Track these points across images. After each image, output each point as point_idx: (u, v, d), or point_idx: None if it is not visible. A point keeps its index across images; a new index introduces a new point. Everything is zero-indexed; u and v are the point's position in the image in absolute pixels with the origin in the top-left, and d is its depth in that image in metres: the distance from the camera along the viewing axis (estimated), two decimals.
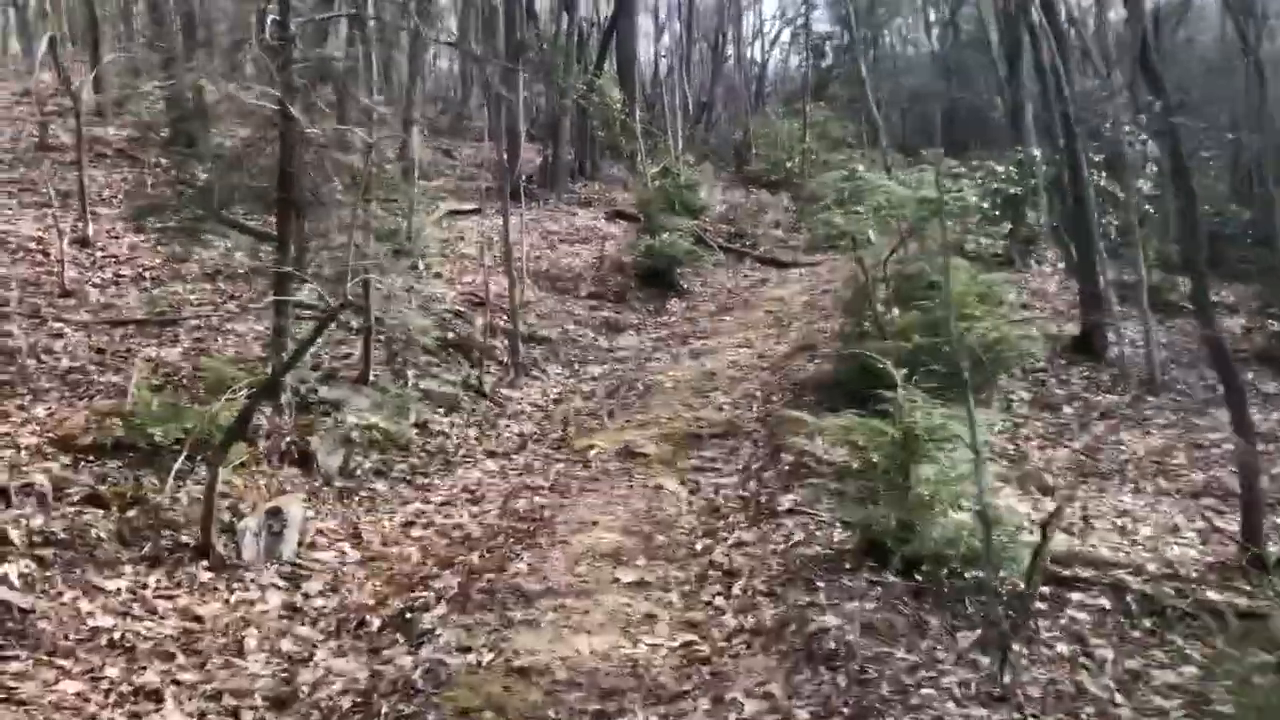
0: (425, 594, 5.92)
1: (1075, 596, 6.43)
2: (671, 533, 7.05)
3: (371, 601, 6.01)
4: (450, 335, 12.67)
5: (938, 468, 6.25)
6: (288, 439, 8.11)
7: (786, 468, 8.26)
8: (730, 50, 35.72)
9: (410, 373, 10.99)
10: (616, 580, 6.08)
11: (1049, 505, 9.22)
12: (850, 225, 8.10)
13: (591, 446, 9.35)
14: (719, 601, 5.71)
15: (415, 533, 7.34)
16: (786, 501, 7.29)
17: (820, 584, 5.66)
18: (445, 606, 5.65)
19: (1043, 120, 20.98)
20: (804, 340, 13.62)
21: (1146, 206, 19.34)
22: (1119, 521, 9.10)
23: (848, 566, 5.98)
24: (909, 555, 5.99)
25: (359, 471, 8.35)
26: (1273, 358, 16.01)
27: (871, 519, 6.08)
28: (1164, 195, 19.07)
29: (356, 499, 7.91)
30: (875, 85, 32.42)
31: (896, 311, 10.54)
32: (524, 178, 21.39)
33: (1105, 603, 6.34)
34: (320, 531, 7.13)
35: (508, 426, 10.51)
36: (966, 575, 6.15)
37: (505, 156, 15.90)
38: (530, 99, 24.86)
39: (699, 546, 6.74)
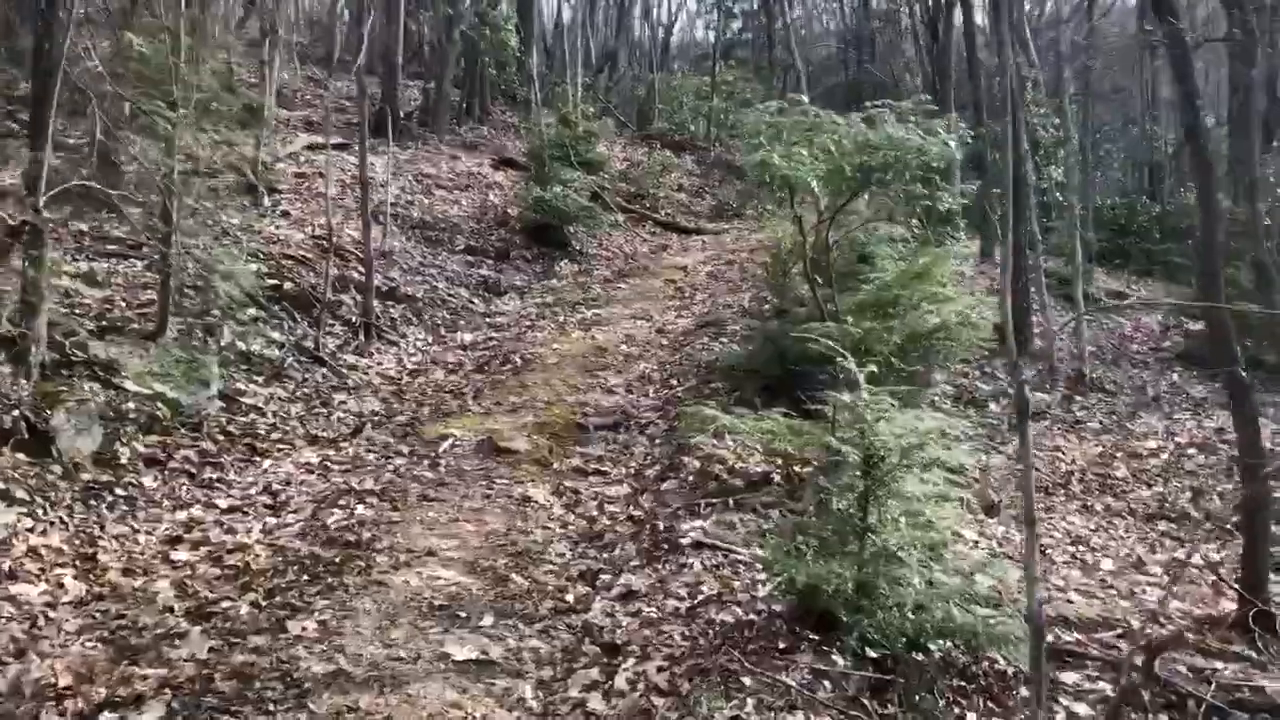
0: (146, 680, 3.81)
1: (1069, 678, 4.75)
2: (535, 570, 5.10)
3: (66, 682, 3.87)
4: (288, 285, 10.40)
5: (907, 504, 4.45)
6: (15, 411, 5.83)
7: (691, 477, 6.40)
8: (638, 4, 33.59)
9: (226, 329, 8.72)
10: (445, 656, 4.09)
11: (995, 526, 7.63)
12: (791, 169, 6.27)
13: (446, 436, 7.30)
14: (594, 704, 3.76)
15: (178, 555, 5.20)
16: (692, 530, 5.41)
17: (745, 678, 3.78)
18: (160, 712, 3.57)
19: (964, 95, 19.51)
20: (709, 315, 11.76)
21: (1057, 194, 18.07)
22: (1075, 551, 7.56)
23: (781, 646, 4.11)
24: (867, 631, 4.17)
25: (123, 459, 6.13)
26: (1195, 358, 14.78)
27: (817, 578, 4.21)
28: (1070, 181, 17.81)
29: (108, 500, 5.71)
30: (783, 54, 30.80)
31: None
32: (402, 115, 18.99)
33: (1107, 687, 4.68)
34: (33, 551, 4.94)
35: (343, 404, 8.37)
36: (935, 651, 4.40)
37: (373, 82, 13.58)
38: (416, 29, 22.30)
39: (571, 597, 4.80)
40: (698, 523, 5.45)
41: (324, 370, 9.12)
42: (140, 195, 9.21)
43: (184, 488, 6.09)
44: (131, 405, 6.70)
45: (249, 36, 18.44)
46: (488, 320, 12.04)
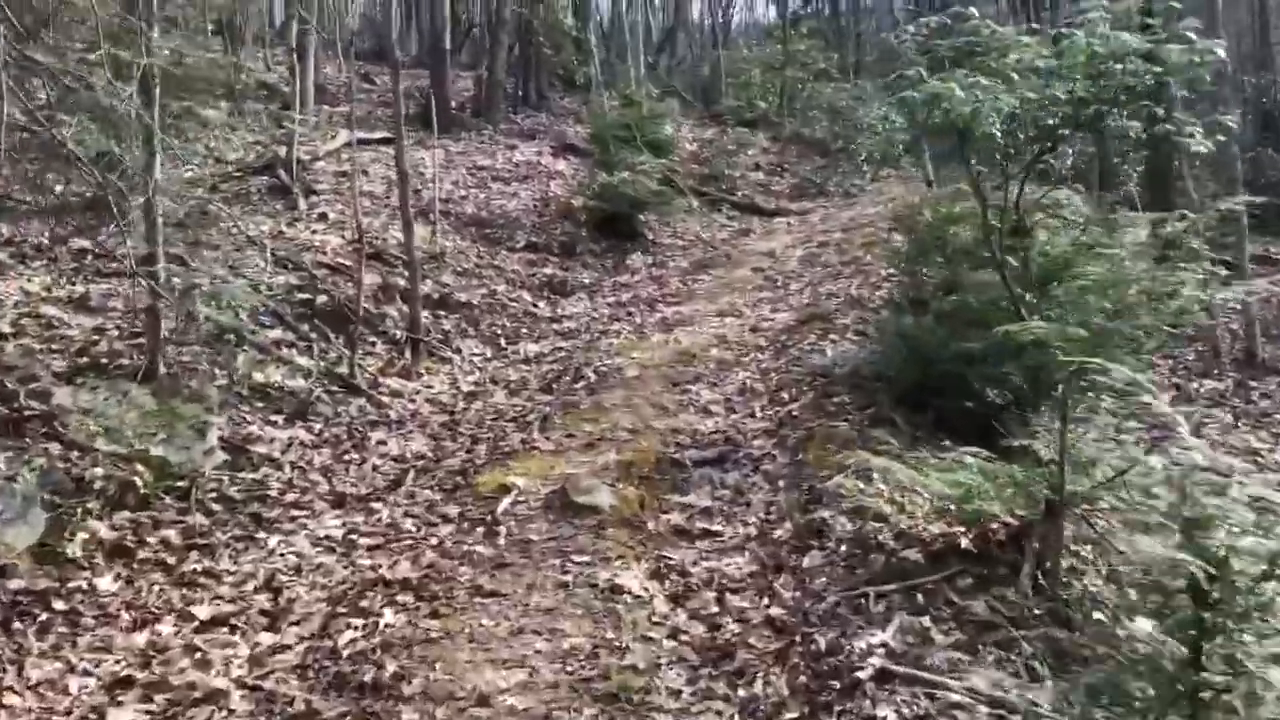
0: None
1: None
2: None
3: None
4: (322, 299, 8.77)
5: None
6: None
7: (843, 545, 4.55)
8: None
9: (240, 359, 7.10)
10: None
11: None
12: (964, 102, 4.41)
13: (507, 488, 5.56)
14: None
15: (118, 718, 3.52)
16: (870, 646, 3.56)
17: None
18: None
19: None
20: (811, 308, 9.87)
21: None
22: None
23: None
24: None
25: (73, 553, 4.50)
26: None
27: None
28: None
29: (40, 619, 4.07)
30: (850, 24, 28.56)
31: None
32: (453, 105, 17.38)
33: None
34: None
35: (381, 445, 6.68)
36: None
37: (421, 75, 11.94)
38: (465, 15, 20.68)
39: None
40: (875, 635, 3.59)
41: (360, 401, 7.45)
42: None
43: (155, 589, 4.43)
44: (99, 471, 5.08)
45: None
46: (554, 327, 10.30)
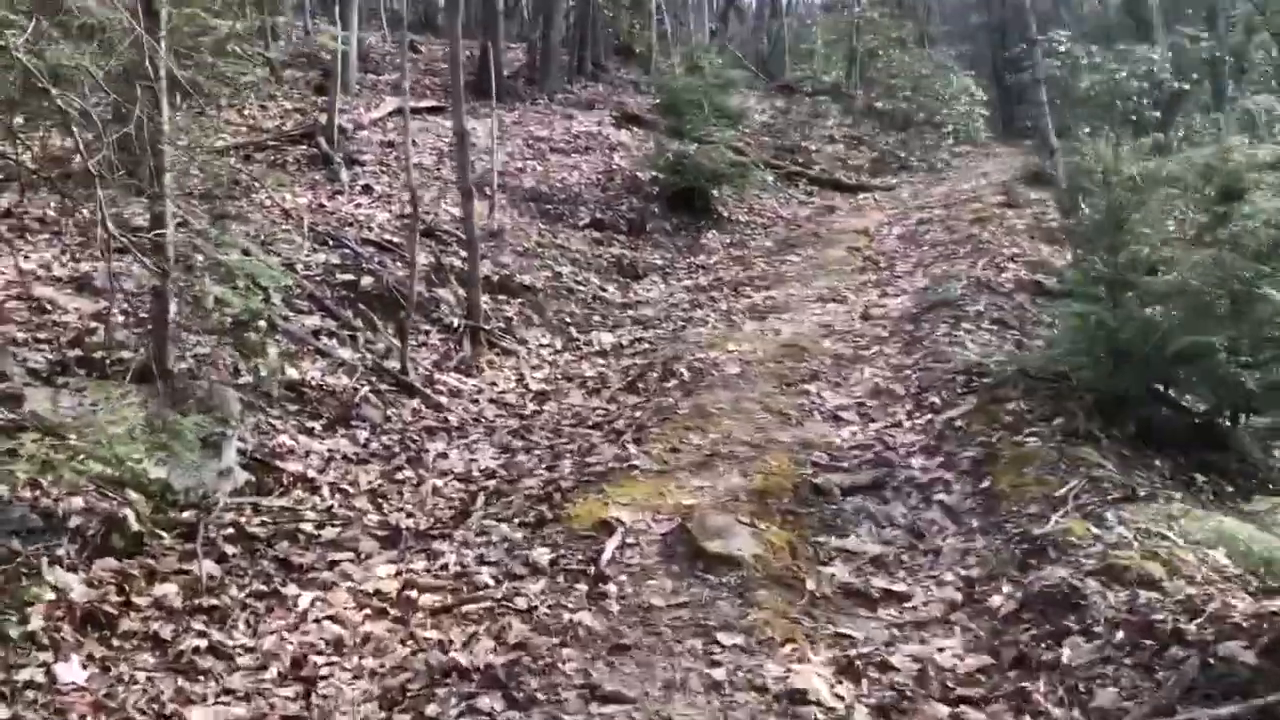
0: None
1: None
2: None
3: None
4: (367, 281, 7.50)
5: None
6: None
7: (1117, 630, 3.15)
8: None
9: (272, 351, 5.83)
10: None
11: None
12: None
13: (608, 524, 4.22)
14: None
15: None
16: None
17: None
18: None
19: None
20: (931, 292, 8.43)
21: None
22: None
23: None
24: None
25: (20, 632, 3.22)
26: None
27: None
28: None
29: None
30: None
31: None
32: (506, 74, 16.06)
33: None
34: None
35: (442, 459, 5.38)
36: None
37: (472, 46, 10.63)
38: None
39: None
40: None
41: (414, 403, 6.16)
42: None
43: (140, 680, 3.14)
44: (78, 503, 3.82)
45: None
46: (629, 314, 8.96)
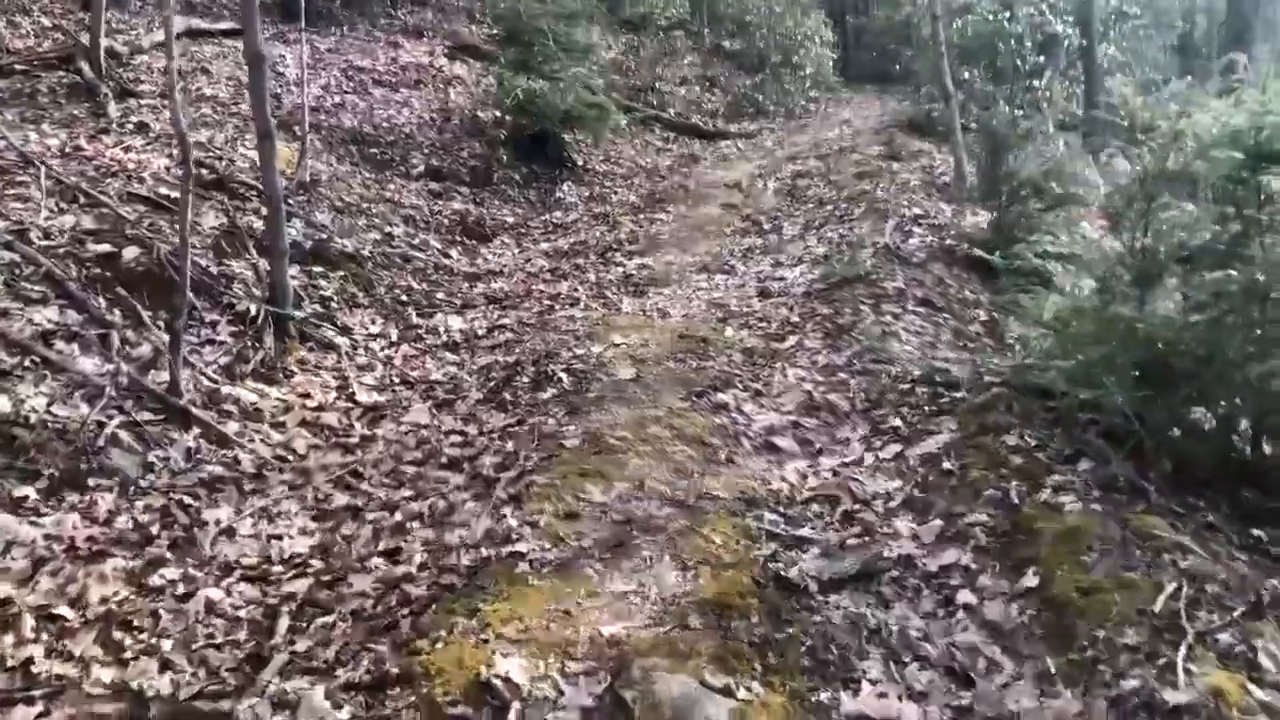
0: None
1: None
2: None
3: None
4: (131, 254, 5.43)
5: None
6: None
7: None
8: None
9: None
10: None
11: None
12: None
13: (491, 690, 2.55)
14: None
15: None
16: None
17: None
18: None
19: None
20: (834, 265, 7.04)
21: None
22: None
23: None
24: None
25: None
26: None
27: None
28: None
29: None
30: None
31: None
32: None
33: None
34: None
35: (226, 537, 3.55)
36: None
37: None
38: None
39: None
40: None
41: (190, 437, 4.25)
42: None
43: None
44: None
45: None
46: (480, 288, 7.17)
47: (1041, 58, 10.76)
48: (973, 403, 4.27)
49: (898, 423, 4.37)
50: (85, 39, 8.89)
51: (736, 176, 10.52)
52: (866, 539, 3.50)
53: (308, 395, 5.10)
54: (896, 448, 4.16)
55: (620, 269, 7.58)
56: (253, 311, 5.49)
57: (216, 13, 12.61)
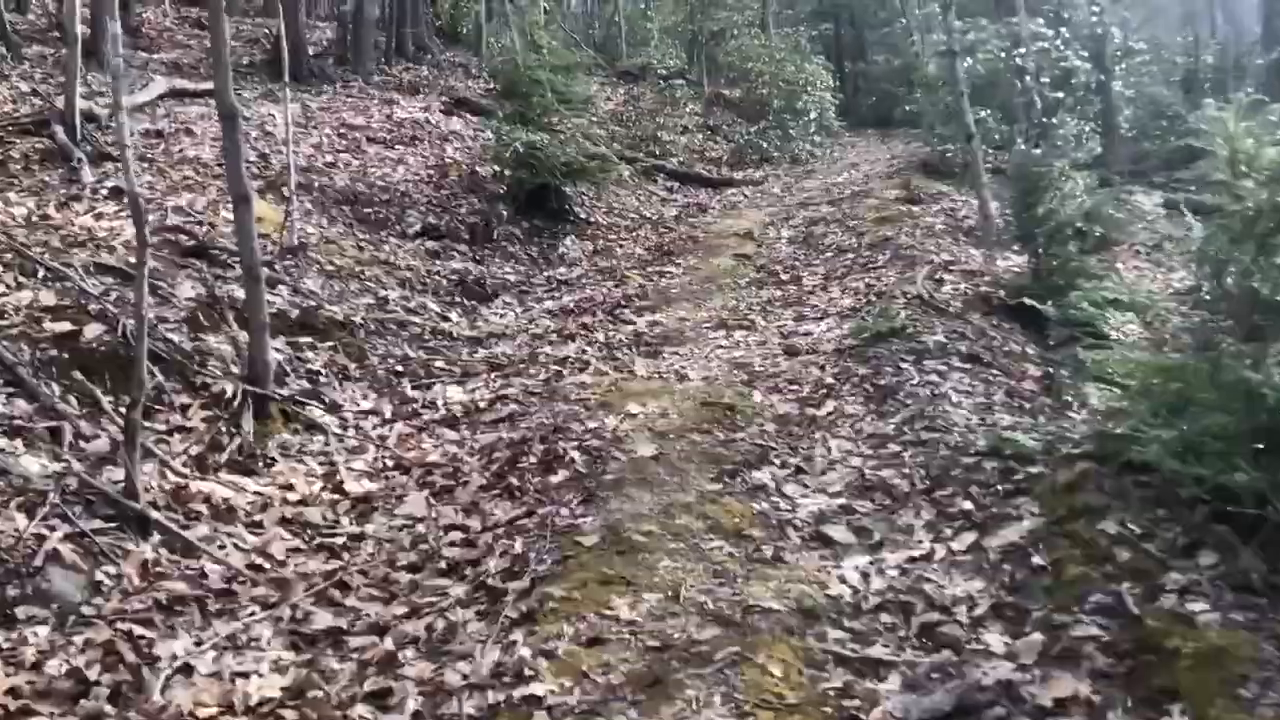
0: None
1: None
2: None
3: None
4: (93, 331, 4.86)
5: None
6: None
7: None
8: None
9: None
10: None
11: None
12: None
13: None
14: None
15: None
16: None
17: None
18: None
19: None
20: (864, 316, 6.46)
21: None
22: None
23: None
24: None
25: None
26: None
27: None
28: None
29: None
30: None
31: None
32: (311, 54, 13.23)
33: None
34: None
35: (182, 678, 2.90)
36: None
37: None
38: None
39: None
40: None
41: (148, 547, 3.63)
42: None
43: None
44: None
45: None
46: (482, 351, 6.59)
47: (1061, 94, 10.30)
48: (1054, 480, 3.64)
49: (967, 505, 3.75)
50: (60, 102, 8.44)
51: (747, 225, 9.98)
52: (954, 659, 2.86)
53: (289, 486, 4.48)
54: (970, 537, 3.53)
55: (630, 327, 7.00)
56: (229, 392, 4.90)
57: (204, 73, 12.22)
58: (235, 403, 4.87)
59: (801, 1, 26.86)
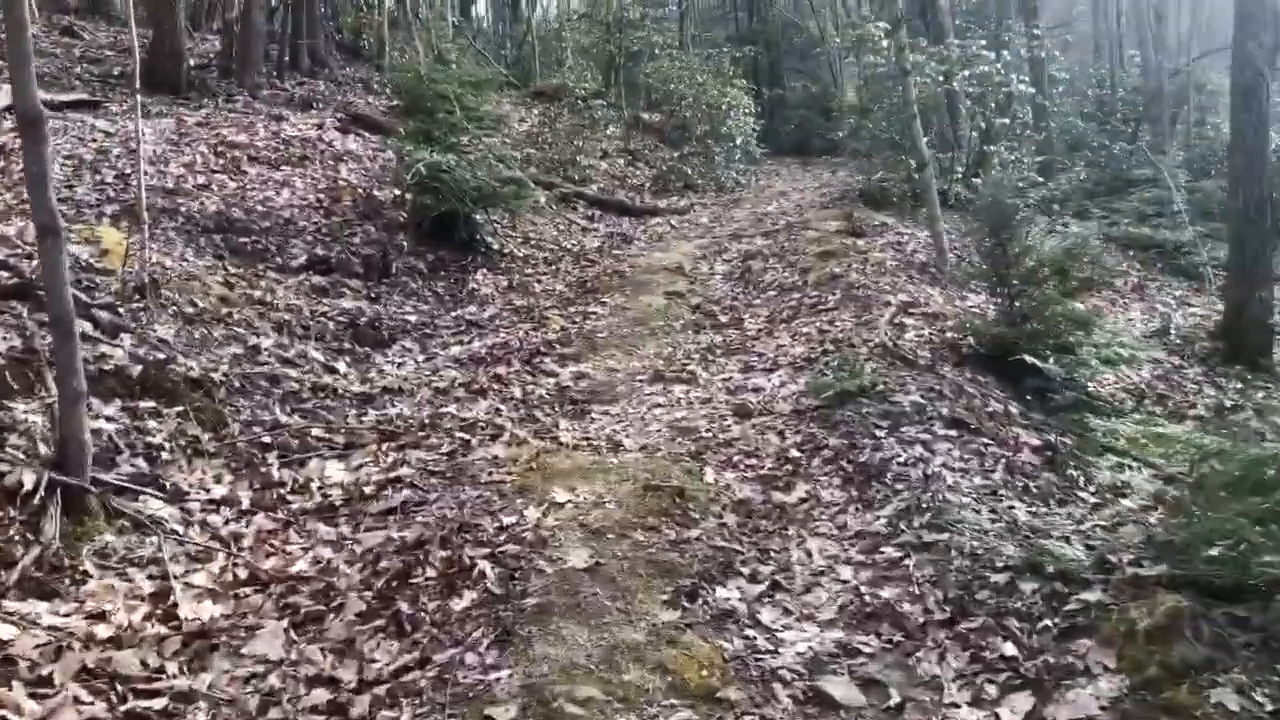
0: None
1: None
2: None
3: None
4: None
5: None
6: None
7: None
8: None
9: None
10: None
11: None
12: None
13: None
14: None
15: None
16: None
17: None
18: None
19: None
20: (828, 367, 5.56)
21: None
22: None
23: None
24: None
25: None
26: None
27: None
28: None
29: None
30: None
31: None
32: (192, 66, 11.89)
33: None
34: None
35: None
36: None
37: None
38: None
39: None
40: None
41: None
42: None
43: None
44: None
45: None
46: (373, 412, 5.44)
47: (1006, 120, 9.67)
48: (1129, 620, 2.72)
49: (1009, 649, 2.81)
50: None
51: (676, 259, 9.04)
52: None
53: (101, 616, 3.31)
54: (1025, 702, 2.59)
55: (553, 380, 5.97)
56: (27, 485, 3.69)
57: (67, 84, 10.80)
58: (36, 498, 3.67)
59: (719, 25, 26.33)
